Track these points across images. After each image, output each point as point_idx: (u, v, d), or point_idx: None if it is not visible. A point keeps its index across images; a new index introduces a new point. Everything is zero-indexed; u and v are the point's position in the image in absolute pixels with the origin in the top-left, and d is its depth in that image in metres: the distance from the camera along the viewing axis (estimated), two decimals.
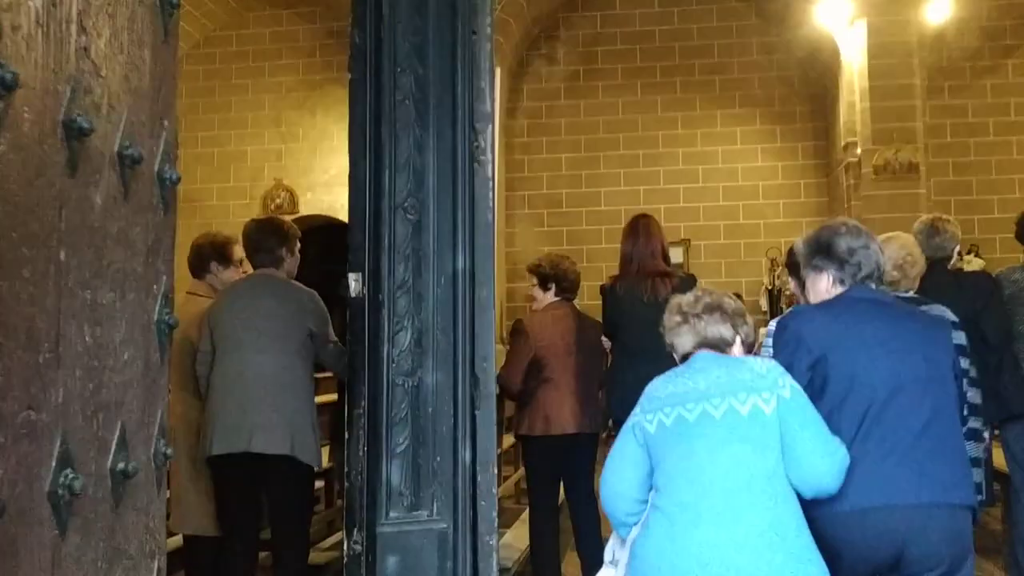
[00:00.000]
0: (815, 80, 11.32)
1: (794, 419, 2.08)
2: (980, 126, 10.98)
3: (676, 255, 11.49)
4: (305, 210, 12.39)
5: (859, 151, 9.99)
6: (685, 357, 2.31)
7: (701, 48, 11.61)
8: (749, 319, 2.39)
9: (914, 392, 2.19)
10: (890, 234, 3.28)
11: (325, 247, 14.13)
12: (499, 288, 11.24)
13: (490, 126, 2.18)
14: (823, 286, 2.44)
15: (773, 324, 4.14)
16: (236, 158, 12.45)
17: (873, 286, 2.41)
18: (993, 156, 10.95)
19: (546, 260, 4.21)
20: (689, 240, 11.51)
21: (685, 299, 2.37)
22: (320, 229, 13.10)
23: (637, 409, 2.21)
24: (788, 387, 2.10)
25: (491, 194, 2.16)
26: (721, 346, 2.29)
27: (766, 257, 11.11)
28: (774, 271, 10.90)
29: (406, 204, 2.13)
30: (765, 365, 2.17)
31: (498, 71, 11.08)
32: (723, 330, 2.30)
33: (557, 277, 4.12)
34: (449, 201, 2.13)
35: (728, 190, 11.48)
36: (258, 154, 12.42)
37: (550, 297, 4.14)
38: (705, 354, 2.26)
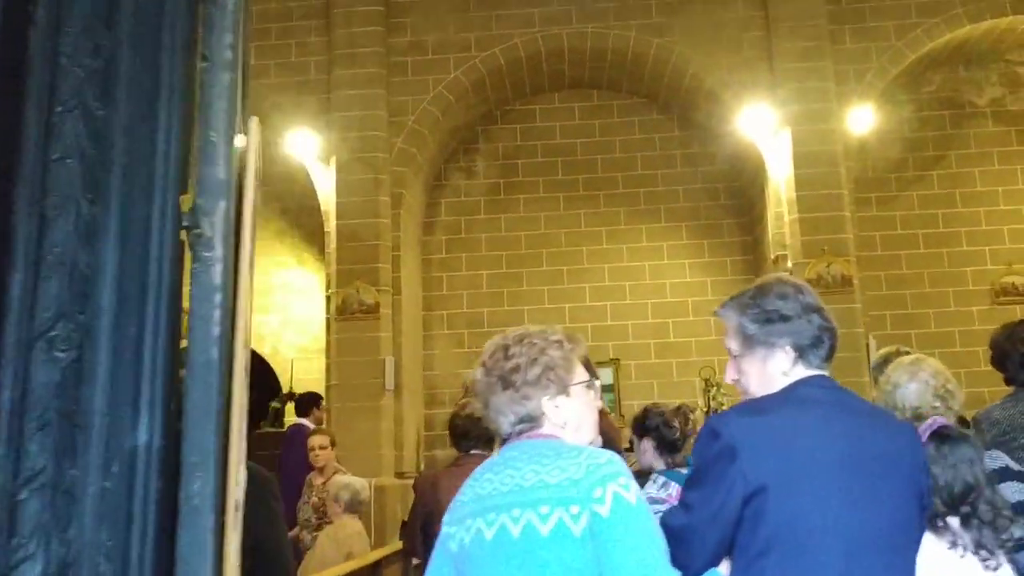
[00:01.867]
0: (741, 192, 10.99)
1: (614, 545, 1.55)
2: (910, 238, 10.69)
3: (605, 376, 10.76)
4: None
5: (790, 264, 9.53)
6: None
7: (624, 161, 11.23)
8: (573, 354, 1.84)
9: (876, 562, 1.65)
10: (913, 356, 2.77)
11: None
12: (414, 416, 10.29)
13: (224, 202, 1.28)
14: (779, 368, 1.86)
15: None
16: None
17: (827, 373, 1.87)
18: (926, 269, 10.62)
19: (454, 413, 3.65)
20: (619, 360, 10.80)
21: (478, 375, 1.88)
22: None
23: (446, 516, 1.78)
24: (609, 498, 1.58)
25: (219, 312, 1.24)
26: (534, 425, 1.79)
27: (699, 377, 10.40)
28: (709, 391, 10.19)
29: (54, 333, 1.18)
30: (586, 462, 1.63)
31: (413, 182, 10.47)
32: (519, 409, 1.79)
33: (456, 431, 3.54)
34: (133, 328, 1.19)
35: (657, 307, 10.89)
36: None
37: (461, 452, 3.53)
38: (523, 443, 1.76)
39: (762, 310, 1.90)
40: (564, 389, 1.80)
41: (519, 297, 11.05)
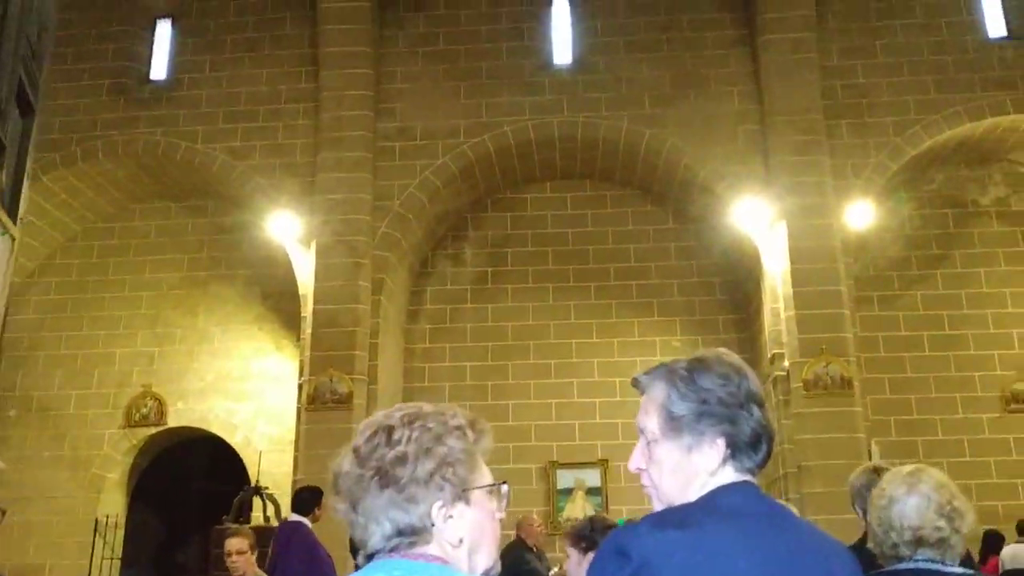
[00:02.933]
0: (737, 287, 10.58)
1: None
2: (915, 340, 10.20)
3: (593, 478, 10.18)
4: (174, 421, 10.91)
5: (787, 363, 9.05)
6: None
7: (617, 252, 10.89)
8: (478, 446, 1.39)
9: None
10: (913, 465, 2.33)
11: (209, 463, 12.47)
12: None
13: None
14: (706, 465, 1.49)
15: None
16: (102, 361, 11.06)
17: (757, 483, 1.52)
18: (932, 373, 10.08)
19: None
20: (607, 461, 10.19)
21: (346, 466, 1.38)
22: (198, 443, 11.51)
23: None
24: None
25: None
26: (416, 540, 1.33)
27: None
28: None
29: None
30: None
31: (397, 267, 10.15)
32: (400, 517, 1.32)
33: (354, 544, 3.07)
34: None
35: None
36: (128, 357, 11.05)
37: None
38: (397, 561, 1.31)
39: (699, 388, 1.50)
40: (463, 494, 1.35)
41: (504, 391, 10.54)
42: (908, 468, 2.30)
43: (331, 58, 10.26)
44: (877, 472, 2.95)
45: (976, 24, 10.13)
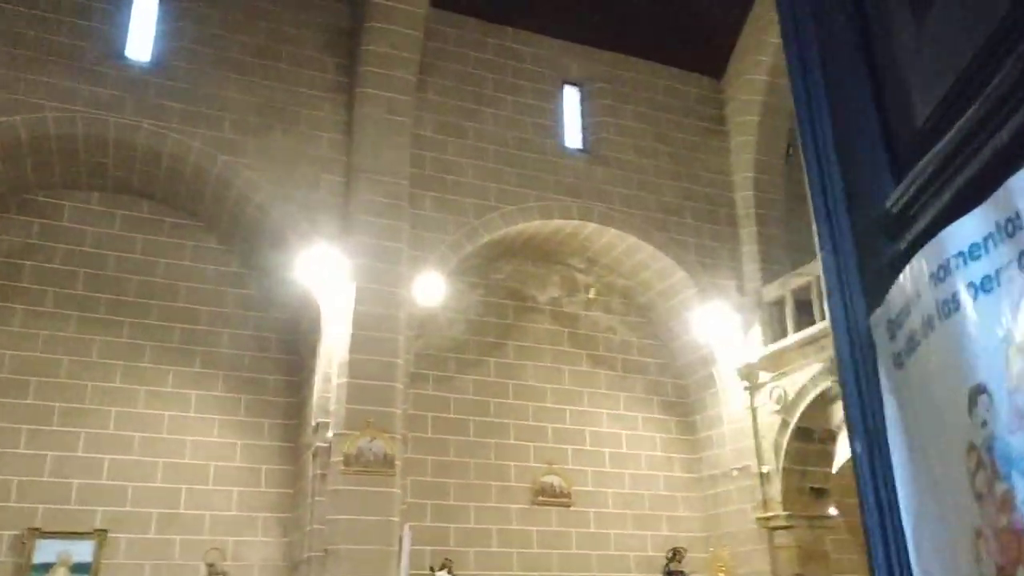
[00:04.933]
0: (295, 347, 9.73)
1: None
2: (461, 424, 10.14)
3: (83, 551, 8.39)
4: None
5: (331, 434, 8.32)
6: None
7: (165, 288, 9.46)
8: None
9: None
10: None
11: None
12: None
13: None
14: None
15: None
16: None
17: None
18: (472, 459, 10.05)
19: None
20: (107, 531, 8.50)
21: None
22: None
23: None
24: None
25: None
26: None
27: (203, 562, 8.51)
28: None
29: None
30: None
31: None
32: None
33: None
34: None
35: (170, 467, 8.92)
36: None
37: None
38: None
39: None
40: None
41: None
42: None
43: None
44: None
45: (557, 131, 10.74)
